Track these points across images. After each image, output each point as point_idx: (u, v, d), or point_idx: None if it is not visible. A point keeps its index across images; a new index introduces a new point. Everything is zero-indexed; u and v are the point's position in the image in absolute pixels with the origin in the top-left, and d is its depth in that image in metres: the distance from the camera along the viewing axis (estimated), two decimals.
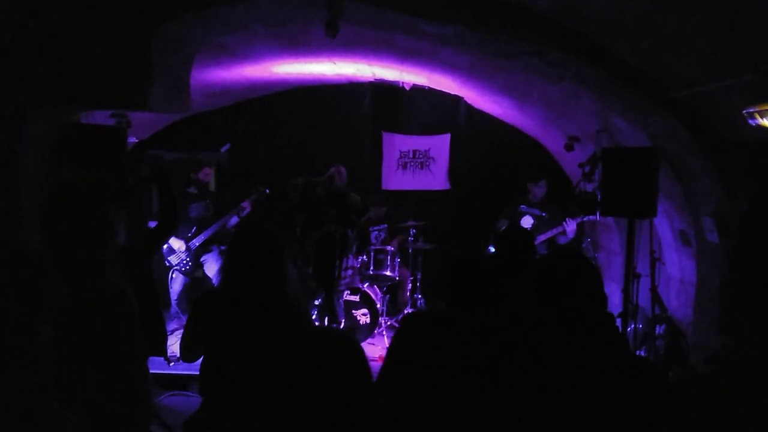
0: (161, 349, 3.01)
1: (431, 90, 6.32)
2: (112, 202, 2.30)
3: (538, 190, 5.32)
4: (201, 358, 2.38)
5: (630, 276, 4.12)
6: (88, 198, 2.14)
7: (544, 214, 5.32)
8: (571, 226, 5.09)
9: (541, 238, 5.16)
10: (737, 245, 3.62)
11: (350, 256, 5.48)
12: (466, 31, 3.42)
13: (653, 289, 4.48)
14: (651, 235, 4.39)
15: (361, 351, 1.46)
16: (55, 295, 1.88)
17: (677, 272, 4.71)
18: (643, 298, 4.50)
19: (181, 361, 4.09)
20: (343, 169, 5.38)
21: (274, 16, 3.95)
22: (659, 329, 4.68)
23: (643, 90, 3.46)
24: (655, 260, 4.40)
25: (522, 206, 5.39)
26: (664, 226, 4.65)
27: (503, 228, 5.17)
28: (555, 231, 5.15)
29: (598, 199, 4.38)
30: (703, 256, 4.23)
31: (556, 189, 5.86)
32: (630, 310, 4.16)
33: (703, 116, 3.39)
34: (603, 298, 1.69)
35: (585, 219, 5.08)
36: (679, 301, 4.72)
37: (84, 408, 1.95)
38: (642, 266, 4.27)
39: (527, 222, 5.34)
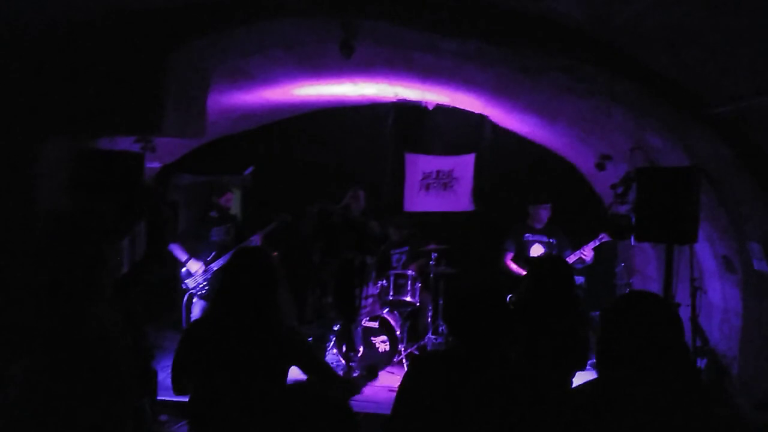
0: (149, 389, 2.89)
1: (455, 109, 6.07)
2: (107, 234, 2.18)
3: (544, 214, 4.89)
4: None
5: None
6: (79, 231, 2.04)
7: (553, 241, 4.90)
8: (589, 253, 4.70)
9: None
10: None
11: (370, 284, 5.22)
12: (489, 47, 3.17)
13: (693, 319, 4.08)
14: (692, 262, 4.00)
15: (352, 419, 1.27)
16: (41, 329, 1.79)
17: (720, 301, 4.28)
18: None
19: None
20: (361, 193, 5.15)
21: (290, 38, 3.79)
22: (700, 363, 4.24)
23: (682, 105, 3.13)
24: (696, 289, 4.00)
25: (527, 234, 4.93)
26: (704, 251, 4.24)
27: (536, 257, 4.81)
28: (572, 258, 4.72)
29: (632, 223, 4.04)
30: (750, 285, 3.81)
31: (587, 212, 5.50)
32: None
33: (749, 134, 3.03)
34: (684, 350, 1.45)
35: (602, 241, 4.70)
36: (722, 332, 4.28)
37: None
38: (680, 294, 3.88)
39: (538, 251, 4.90)
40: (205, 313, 4.85)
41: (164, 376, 5.28)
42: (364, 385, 2.29)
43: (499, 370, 1.79)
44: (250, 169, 6.47)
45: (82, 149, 3.82)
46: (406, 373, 1.96)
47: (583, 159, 5.52)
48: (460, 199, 6.41)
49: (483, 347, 1.82)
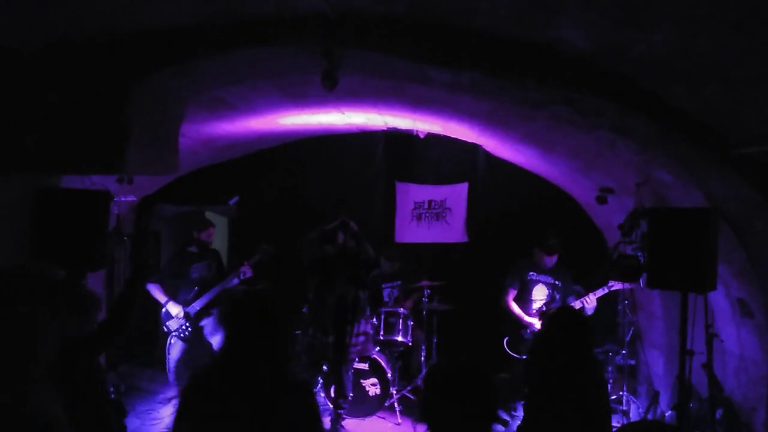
0: None
1: (447, 138, 5.63)
2: (45, 299, 1.70)
3: (550, 259, 4.33)
4: None
5: (684, 357, 3.29)
6: (12, 294, 1.59)
7: (558, 283, 4.36)
8: (592, 301, 4.20)
9: None
10: None
11: (362, 321, 4.73)
12: (484, 78, 2.74)
13: (708, 367, 3.61)
14: (706, 308, 3.55)
15: None
16: None
17: (735, 347, 3.81)
18: (693, 374, 3.62)
19: None
20: (352, 224, 4.69)
21: (269, 68, 3.34)
22: (718, 413, 3.76)
23: (701, 143, 2.69)
24: (711, 336, 3.54)
25: (531, 273, 4.39)
26: (718, 293, 3.78)
27: (551, 312, 4.29)
28: (576, 306, 4.20)
29: (641, 263, 3.60)
30: None
31: (585, 245, 5.05)
32: (685, 394, 3.32)
33: None
34: None
35: (609, 291, 4.23)
36: (738, 380, 3.80)
37: None
38: (692, 339, 3.42)
39: (541, 293, 4.37)
40: (210, 364, 4.38)
41: (139, 423, 4.73)
42: None
43: None
44: (235, 199, 6.00)
45: (41, 188, 3.35)
46: None
47: (582, 191, 5.07)
48: (453, 230, 5.94)
49: None
